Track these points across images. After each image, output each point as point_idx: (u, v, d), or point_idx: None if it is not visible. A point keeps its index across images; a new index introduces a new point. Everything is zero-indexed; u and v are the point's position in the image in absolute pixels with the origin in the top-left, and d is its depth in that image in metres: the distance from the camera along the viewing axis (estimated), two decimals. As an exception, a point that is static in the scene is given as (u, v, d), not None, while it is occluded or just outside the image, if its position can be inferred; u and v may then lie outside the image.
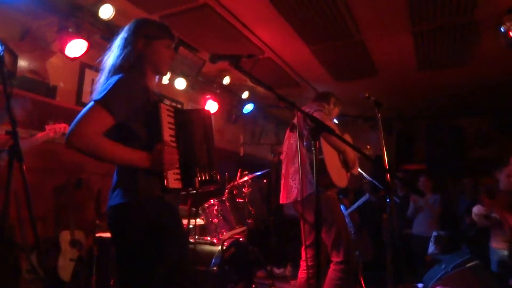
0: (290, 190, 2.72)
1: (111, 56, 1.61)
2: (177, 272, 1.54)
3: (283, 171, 2.87)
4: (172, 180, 1.48)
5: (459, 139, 6.14)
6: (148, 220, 1.43)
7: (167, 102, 4.56)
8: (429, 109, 6.17)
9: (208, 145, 1.65)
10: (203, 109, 1.74)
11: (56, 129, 2.47)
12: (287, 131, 2.93)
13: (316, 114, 2.53)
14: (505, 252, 3.34)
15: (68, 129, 2.07)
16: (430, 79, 4.74)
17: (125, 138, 1.46)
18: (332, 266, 2.52)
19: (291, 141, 2.82)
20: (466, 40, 3.61)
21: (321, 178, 2.47)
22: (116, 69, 1.55)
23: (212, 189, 1.72)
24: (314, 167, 1.45)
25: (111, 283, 3.11)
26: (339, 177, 2.63)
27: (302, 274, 2.79)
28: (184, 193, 1.69)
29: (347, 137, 2.85)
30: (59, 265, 3.60)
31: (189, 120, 1.61)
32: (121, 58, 1.55)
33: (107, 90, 1.40)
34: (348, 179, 2.84)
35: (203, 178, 1.59)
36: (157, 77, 1.73)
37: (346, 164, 2.76)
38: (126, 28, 1.65)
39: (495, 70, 4.35)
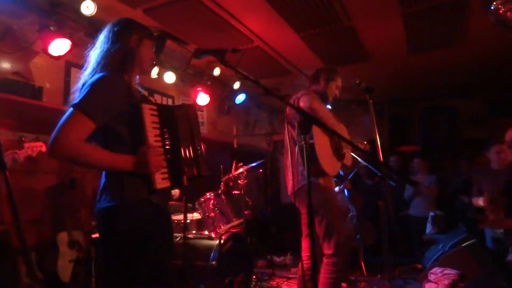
0: (288, 182, 2.70)
1: (97, 51, 1.56)
2: (161, 274, 1.56)
3: (286, 162, 2.83)
4: (160, 180, 1.46)
5: (453, 121, 6.16)
6: (134, 224, 1.43)
7: (157, 97, 4.52)
8: (423, 92, 6.14)
9: (194, 139, 1.64)
10: (187, 103, 1.73)
11: (34, 148, 2.40)
12: (285, 123, 2.86)
13: (302, 100, 2.46)
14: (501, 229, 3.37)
15: (44, 147, 2.05)
16: (422, 61, 4.70)
17: (110, 141, 1.45)
18: (324, 261, 2.48)
19: (285, 132, 2.77)
20: (456, 20, 3.57)
21: (312, 166, 2.40)
22: (102, 66, 1.50)
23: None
24: (305, 159, 1.42)
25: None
26: (331, 165, 2.57)
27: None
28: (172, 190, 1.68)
29: (342, 127, 2.81)
30: (58, 266, 3.59)
31: (173, 117, 1.59)
32: (108, 54, 1.51)
33: (85, 93, 1.38)
34: (340, 167, 2.79)
35: (191, 174, 1.59)
36: (137, 76, 1.69)
37: (338, 152, 2.71)
38: (113, 22, 1.61)
39: (487, 49, 4.32)
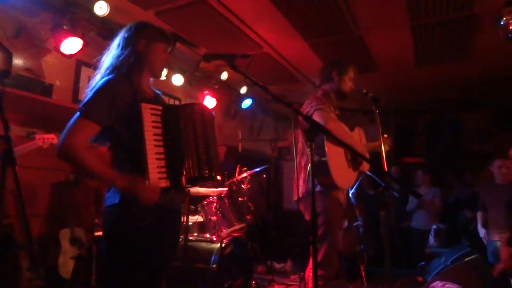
0: (295, 187, 2.65)
1: (109, 55, 1.61)
2: (158, 275, 1.61)
3: (296, 167, 2.75)
4: (156, 179, 1.45)
5: (457, 134, 6.14)
6: (132, 222, 1.47)
7: (164, 98, 4.55)
8: (429, 104, 6.14)
9: (199, 140, 1.60)
10: (194, 104, 1.67)
11: (45, 139, 2.44)
12: (298, 128, 2.76)
13: (316, 115, 2.35)
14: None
15: (56, 140, 2.08)
16: (429, 73, 4.70)
17: (111, 141, 1.52)
18: (307, 273, 2.43)
19: (299, 137, 2.65)
20: (465, 34, 3.58)
21: (323, 178, 2.36)
22: (110, 70, 1.56)
23: (208, 186, 1.72)
24: (311, 168, 1.43)
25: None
26: (344, 178, 2.49)
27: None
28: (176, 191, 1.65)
29: (357, 131, 2.75)
30: (59, 263, 3.61)
31: (176, 117, 1.57)
32: (120, 58, 1.57)
33: (89, 97, 1.45)
34: (356, 177, 2.67)
35: (191, 175, 1.55)
36: (151, 79, 1.72)
37: (354, 162, 2.61)
38: (126, 28, 1.65)
39: (494, 64, 4.32)
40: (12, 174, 1.48)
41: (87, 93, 1.52)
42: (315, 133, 1.36)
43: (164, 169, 1.50)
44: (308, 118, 1.38)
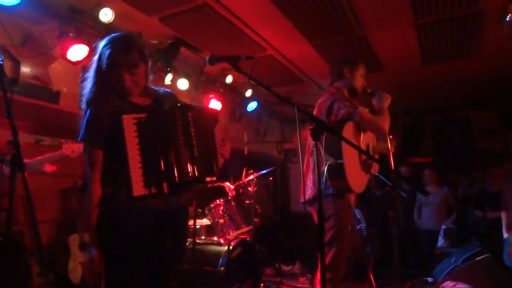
0: (305, 189, 2.60)
1: (86, 86, 1.67)
2: (162, 275, 1.65)
3: (304, 167, 2.71)
4: (139, 187, 1.49)
5: (466, 132, 6.08)
6: (114, 223, 1.55)
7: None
8: (436, 103, 6.10)
9: (185, 146, 1.56)
10: (180, 106, 1.63)
11: (74, 149, 2.47)
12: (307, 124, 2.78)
13: (337, 106, 2.34)
14: None
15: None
16: (436, 72, 4.67)
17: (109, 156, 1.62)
18: (317, 276, 2.39)
19: (308, 138, 2.59)
20: (470, 31, 3.55)
21: (338, 181, 2.33)
22: (91, 93, 1.64)
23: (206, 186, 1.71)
24: (316, 169, 1.42)
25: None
26: (358, 182, 2.47)
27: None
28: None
29: (369, 132, 2.74)
30: (69, 268, 3.64)
31: (156, 123, 1.56)
32: (88, 93, 1.65)
33: (84, 129, 1.61)
34: (367, 182, 2.65)
35: (172, 182, 1.54)
36: (151, 76, 1.74)
37: (365, 164, 2.58)
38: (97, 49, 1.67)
39: (501, 62, 4.28)
40: (21, 180, 1.50)
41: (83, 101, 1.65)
42: (321, 131, 1.36)
43: (145, 177, 1.51)
44: (312, 116, 1.38)
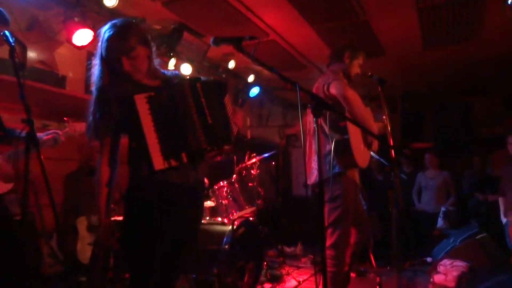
0: (311, 172, 2.63)
1: (94, 74, 1.70)
2: (179, 250, 1.72)
3: (306, 150, 2.75)
4: (159, 162, 1.54)
5: (467, 117, 6.09)
6: (137, 197, 1.62)
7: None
8: (437, 87, 6.10)
9: (198, 116, 1.61)
10: (188, 80, 1.69)
11: (76, 128, 2.49)
12: (307, 109, 2.79)
13: (333, 87, 2.37)
14: None
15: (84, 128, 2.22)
16: (437, 56, 4.68)
17: (131, 138, 1.66)
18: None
19: (310, 119, 2.64)
20: (472, 15, 3.55)
21: (344, 157, 2.37)
22: (97, 88, 1.67)
23: (220, 156, 1.75)
24: (317, 147, 1.48)
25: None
26: (362, 157, 2.52)
27: None
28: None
29: (368, 110, 2.76)
30: (78, 249, 3.75)
31: (168, 97, 1.61)
32: (95, 81, 1.68)
33: (92, 115, 1.65)
34: (370, 158, 2.69)
35: (190, 151, 1.59)
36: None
37: (367, 141, 2.64)
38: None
39: (503, 46, 4.28)
40: (35, 163, 1.58)
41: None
42: (321, 109, 1.41)
43: (164, 151, 1.56)
44: (313, 94, 1.43)
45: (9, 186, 1.85)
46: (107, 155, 1.65)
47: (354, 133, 2.42)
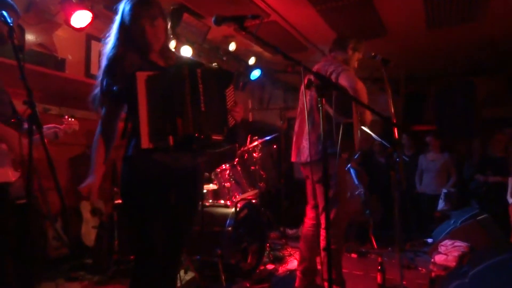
0: (301, 150, 2.70)
1: (112, 34, 1.70)
2: (178, 229, 1.76)
3: (296, 129, 2.82)
4: (146, 141, 1.55)
5: (470, 99, 6.03)
6: (129, 177, 1.66)
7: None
8: (440, 68, 6.04)
9: (192, 102, 1.57)
10: (190, 64, 1.67)
11: (71, 125, 2.47)
12: (301, 88, 2.75)
13: (344, 78, 2.38)
14: None
15: (78, 127, 2.21)
16: (441, 37, 4.61)
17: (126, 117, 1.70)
18: (322, 233, 2.53)
19: (307, 99, 2.67)
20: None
21: (346, 141, 2.42)
22: (114, 48, 1.67)
23: (220, 149, 1.75)
24: (322, 128, 1.47)
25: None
26: (358, 142, 2.60)
27: (307, 230, 2.86)
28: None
29: None
30: (82, 232, 3.80)
31: (163, 80, 1.60)
32: (110, 49, 1.68)
33: (95, 90, 1.69)
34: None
35: (178, 135, 1.56)
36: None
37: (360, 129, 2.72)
38: (120, 6, 1.70)
39: (508, 26, 4.20)
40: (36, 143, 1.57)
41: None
42: (326, 89, 1.40)
43: (152, 131, 1.56)
44: (318, 74, 1.41)
45: (18, 174, 1.86)
46: (105, 123, 1.70)
47: (356, 118, 2.48)
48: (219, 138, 1.66)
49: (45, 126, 2.23)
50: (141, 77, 1.56)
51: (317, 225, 2.81)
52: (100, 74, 1.68)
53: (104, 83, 1.64)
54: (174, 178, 1.69)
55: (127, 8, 1.64)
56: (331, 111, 2.42)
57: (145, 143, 1.54)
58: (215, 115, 1.65)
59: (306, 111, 2.56)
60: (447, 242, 3.28)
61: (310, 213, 2.85)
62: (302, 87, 2.69)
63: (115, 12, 1.72)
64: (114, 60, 1.65)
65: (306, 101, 2.58)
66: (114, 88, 1.63)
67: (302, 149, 2.68)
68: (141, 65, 1.64)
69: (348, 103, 2.38)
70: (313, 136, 2.56)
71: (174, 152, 1.64)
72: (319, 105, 1.41)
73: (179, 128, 1.55)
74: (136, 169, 1.65)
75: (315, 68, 2.64)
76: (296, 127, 2.81)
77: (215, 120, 1.65)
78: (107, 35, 1.72)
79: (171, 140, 1.56)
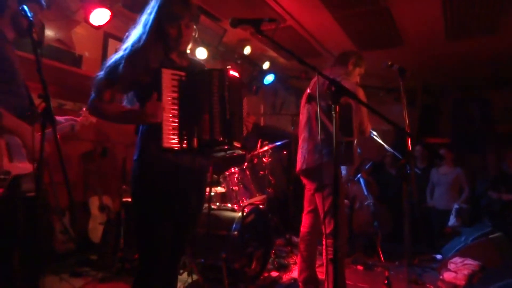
0: (299, 159, 2.75)
1: (136, 31, 1.67)
2: (185, 228, 1.73)
3: (299, 142, 2.89)
4: (168, 140, 1.53)
5: (486, 113, 5.92)
6: (144, 176, 1.62)
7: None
8: (457, 81, 5.94)
9: (216, 106, 1.61)
10: (217, 70, 1.68)
11: (88, 117, 2.49)
12: (302, 102, 2.88)
13: (344, 84, 2.43)
14: None
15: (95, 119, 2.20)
16: (459, 49, 4.54)
17: (139, 103, 1.66)
18: (324, 242, 2.52)
19: (304, 110, 2.80)
20: (499, 7, 3.41)
21: (344, 158, 2.47)
22: (138, 42, 1.63)
23: (233, 154, 1.75)
24: (334, 134, 1.45)
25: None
26: (356, 156, 2.63)
27: (302, 239, 2.91)
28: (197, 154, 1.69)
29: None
30: (89, 228, 3.82)
31: (194, 82, 1.61)
32: (137, 39, 1.64)
33: (115, 67, 1.62)
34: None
35: (203, 138, 1.58)
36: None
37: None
38: (151, 3, 1.68)
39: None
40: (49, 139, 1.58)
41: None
42: (340, 95, 1.38)
43: (176, 132, 1.57)
44: (333, 80, 1.39)
45: (32, 167, 1.87)
46: (109, 104, 1.65)
47: (355, 135, 2.52)
48: (239, 145, 1.70)
49: (62, 118, 2.26)
50: (167, 74, 1.56)
51: (312, 233, 2.83)
52: (118, 57, 1.62)
53: (123, 69, 1.57)
54: (188, 179, 1.69)
55: (167, 5, 1.63)
56: (331, 128, 2.44)
57: (167, 142, 1.53)
58: (236, 124, 1.69)
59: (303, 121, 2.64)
60: (457, 259, 3.20)
61: (305, 220, 2.87)
62: (303, 101, 2.76)
63: (134, 11, 1.72)
64: (140, 49, 1.60)
65: (304, 112, 2.70)
66: (134, 78, 1.58)
67: (300, 159, 2.71)
68: (162, 61, 1.64)
69: (349, 121, 2.39)
70: (311, 144, 2.58)
71: (191, 154, 1.64)
72: (333, 112, 1.38)
73: (206, 131, 1.58)
74: (151, 169, 1.62)
75: (314, 80, 2.69)
76: (299, 140, 2.85)
77: (236, 128, 1.69)
78: (135, 26, 1.70)
79: (195, 142, 1.57)
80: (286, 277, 3.49)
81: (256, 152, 3.76)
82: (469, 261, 3.14)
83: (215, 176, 3.47)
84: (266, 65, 5.06)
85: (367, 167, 4.99)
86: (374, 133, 3.55)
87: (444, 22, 3.84)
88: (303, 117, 2.79)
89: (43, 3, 1.92)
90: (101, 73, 1.63)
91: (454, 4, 3.43)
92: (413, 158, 4.54)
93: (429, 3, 3.45)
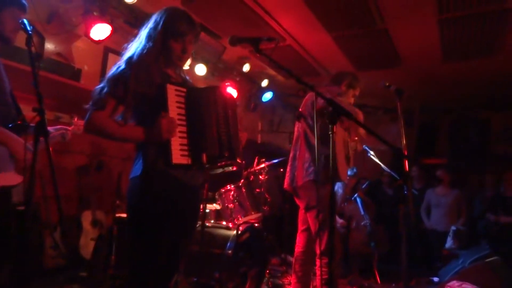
0: (287, 176, 2.78)
1: (135, 44, 1.66)
2: (180, 245, 1.69)
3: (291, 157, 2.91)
4: (178, 155, 1.53)
5: (484, 134, 5.95)
6: (147, 193, 1.56)
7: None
8: (455, 102, 5.99)
9: (221, 122, 1.65)
10: (217, 87, 1.71)
11: (80, 127, 2.46)
12: (296, 122, 2.92)
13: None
14: None
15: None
16: (456, 70, 4.60)
17: (137, 120, 1.61)
18: (317, 262, 2.50)
19: (295, 128, 2.85)
20: (495, 29, 3.48)
21: (329, 171, 2.44)
22: (137, 57, 1.61)
23: (232, 168, 1.74)
24: (331, 152, 1.44)
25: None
26: (344, 172, 2.67)
27: (296, 259, 2.88)
28: (199, 169, 1.68)
29: None
30: (80, 243, 3.74)
31: (199, 98, 1.63)
32: (144, 50, 1.61)
33: (116, 78, 1.57)
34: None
35: (212, 153, 1.59)
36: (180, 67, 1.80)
37: (347, 159, 2.79)
38: (154, 18, 1.68)
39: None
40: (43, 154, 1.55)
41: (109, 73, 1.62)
42: (337, 115, 1.37)
43: (186, 147, 1.57)
44: (330, 100, 1.39)
45: (21, 178, 1.83)
46: (109, 120, 1.57)
47: (339, 150, 2.56)
48: (240, 161, 1.73)
49: (53, 128, 2.23)
50: (172, 90, 1.56)
51: (306, 253, 2.81)
52: (121, 69, 1.57)
53: (128, 79, 1.53)
54: (186, 195, 1.67)
55: (173, 21, 1.63)
56: (313, 141, 2.49)
57: (177, 158, 1.52)
58: (236, 139, 1.71)
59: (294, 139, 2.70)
60: (455, 283, 3.14)
61: (299, 239, 2.86)
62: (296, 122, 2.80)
63: (135, 26, 1.72)
64: (145, 61, 1.58)
65: (297, 130, 2.74)
66: (139, 89, 1.54)
67: (289, 175, 2.75)
68: (162, 76, 1.64)
69: (336, 115, 2.41)
70: (300, 163, 2.59)
71: (191, 170, 1.63)
72: (330, 133, 1.37)
73: (214, 147, 1.60)
74: (157, 185, 1.56)
75: (306, 98, 2.73)
76: (293, 155, 2.86)
77: (236, 143, 1.71)
78: (138, 36, 1.68)
79: (204, 158, 1.57)
80: (280, 298, 3.41)
81: (252, 169, 3.73)
82: (467, 285, 3.08)
83: (211, 193, 3.43)
84: (264, 83, 5.10)
85: (364, 186, 4.97)
86: (371, 152, 3.55)
87: (441, 44, 3.90)
88: (295, 135, 2.83)
89: (24, 3, 1.86)
90: (102, 85, 1.57)
91: (451, 25, 3.49)
92: (410, 179, 4.52)
93: (426, 25, 3.51)
